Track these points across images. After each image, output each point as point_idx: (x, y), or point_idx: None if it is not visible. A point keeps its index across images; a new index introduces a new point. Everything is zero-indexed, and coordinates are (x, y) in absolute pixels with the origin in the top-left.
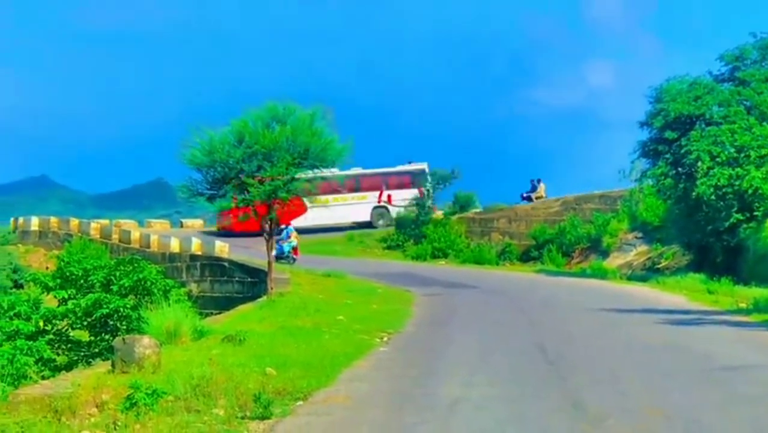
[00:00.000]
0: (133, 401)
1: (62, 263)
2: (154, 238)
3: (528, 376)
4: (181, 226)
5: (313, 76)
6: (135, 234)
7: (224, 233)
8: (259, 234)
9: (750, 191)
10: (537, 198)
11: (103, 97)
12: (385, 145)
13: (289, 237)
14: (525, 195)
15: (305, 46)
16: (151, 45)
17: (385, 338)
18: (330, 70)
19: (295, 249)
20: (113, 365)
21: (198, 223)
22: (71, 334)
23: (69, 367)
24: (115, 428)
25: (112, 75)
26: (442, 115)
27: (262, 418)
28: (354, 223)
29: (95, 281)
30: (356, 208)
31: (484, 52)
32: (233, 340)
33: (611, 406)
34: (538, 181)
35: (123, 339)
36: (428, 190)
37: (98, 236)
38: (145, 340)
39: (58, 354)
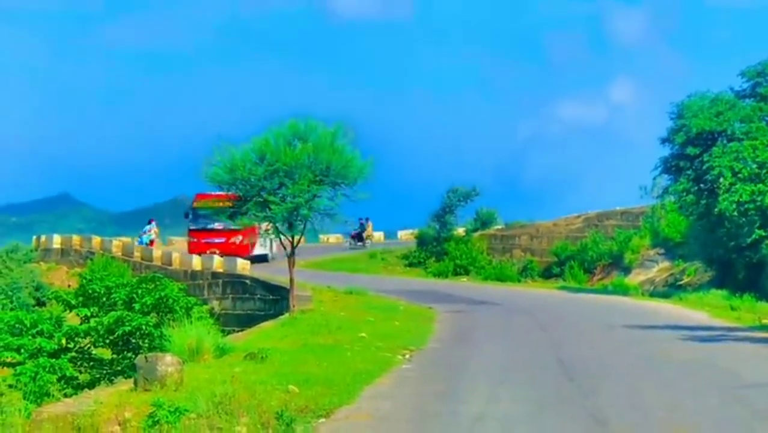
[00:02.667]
0: (156, 419)
1: (84, 281)
2: (175, 255)
3: (551, 393)
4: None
5: (330, 98)
6: (157, 252)
7: None
8: None
9: None
10: (367, 237)
11: (125, 115)
12: (407, 164)
13: (148, 231)
14: (354, 234)
15: (325, 67)
16: (176, 64)
17: (408, 355)
18: (348, 91)
19: (151, 242)
20: (135, 383)
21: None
22: (93, 352)
23: (91, 385)
24: None
25: (134, 94)
26: (465, 133)
27: None
28: None
29: (117, 298)
30: None
31: (508, 69)
32: (255, 357)
33: (635, 424)
34: (366, 219)
35: (145, 357)
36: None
37: (120, 254)
38: (168, 358)
39: (80, 372)
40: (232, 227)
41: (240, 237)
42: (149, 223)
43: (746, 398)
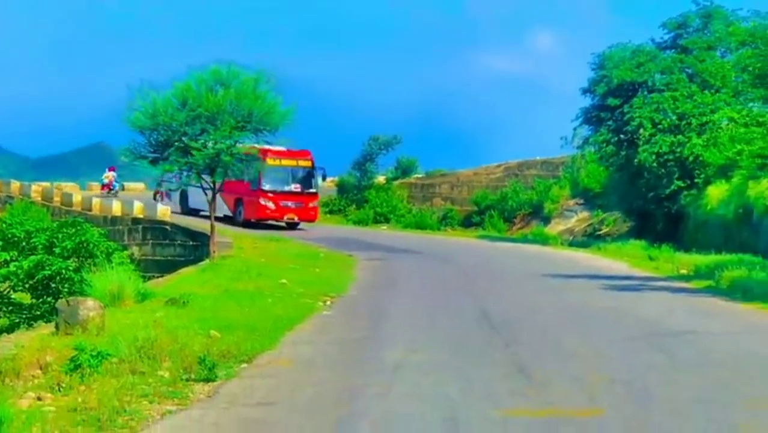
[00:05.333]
0: (78, 363)
1: (4, 225)
2: (95, 201)
3: (472, 341)
4: (123, 189)
5: (254, 46)
6: (77, 197)
7: None
8: None
9: (691, 159)
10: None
11: (44, 60)
12: (329, 112)
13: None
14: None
15: (251, 16)
16: (98, 7)
17: (328, 302)
18: (270, 39)
19: (105, 186)
20: (57, 327)
21: (140, 186)
22: (13, 296)
23: (11, 329)
24: (59, 390)
25: (54, 36)
26: (385, 82)
27: (207, 380)
28: None
29: (37, 243)
30: None
31: (427, 18)
32: (177, 303)
33: (555, 371)
34: (110, 169)
35: (67, 301)
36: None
37: (40, 199)
38: (90, 302)
39: None
40: (310, 190)
41: (317, 201)
42: (111, 170)
43: (666, 345)
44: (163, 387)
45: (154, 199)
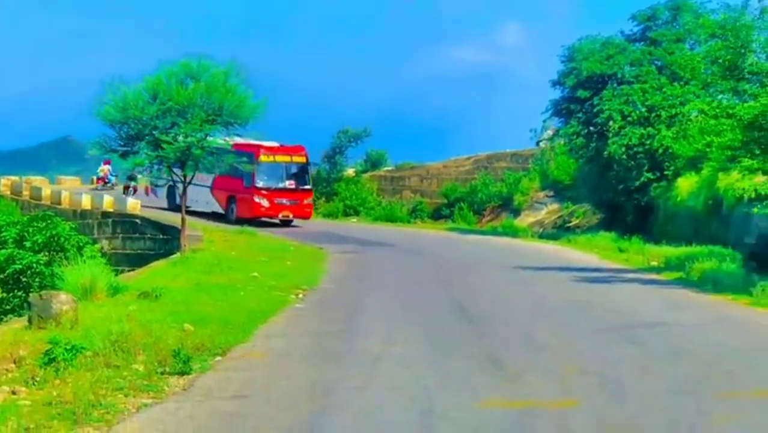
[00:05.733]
0: (52, 356)
1: None
2: (65, 194)
3: (446, 333)
4: (92, 183)
5: (224, 39)
6: (46, 191)
7: None
8: None
9: (660, 151)
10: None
11: (11, 52)
12: (298, 105)
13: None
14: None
15: (221, 8)
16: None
17: (301, 295)
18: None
19: (100, 179)
20: (30, 321)
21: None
22: None
23: None
24: (34, 384)
25: (22, 29)
26: (354, 74)
27: (182, 373)
28: None
29: (8, 237)
30: None
31: (397, 10)
32: (149, 296)
33: (528, 362)
34: (105, 162)
35: (40, 295)
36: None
37: (9, 193)
38: (62, 296)
39: None
40: (305, 186)
41: (312, 198)
42: (106, 164)
43: (638, 337)
44: (138, 380)
45: (125, 193)
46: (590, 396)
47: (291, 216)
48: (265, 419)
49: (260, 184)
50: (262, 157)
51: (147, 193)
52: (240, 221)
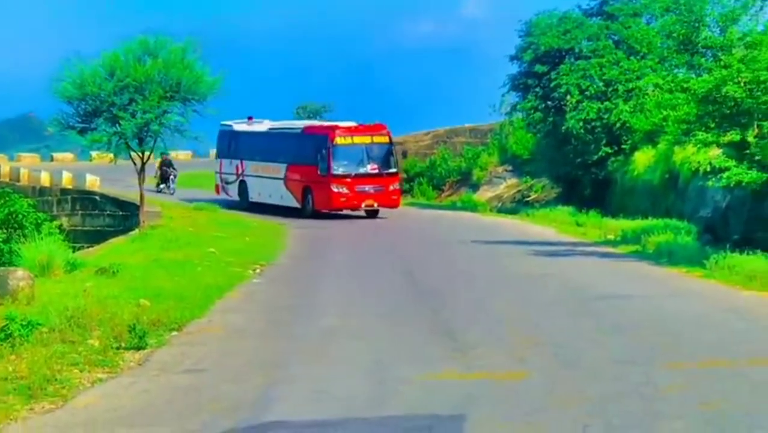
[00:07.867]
0: (8, 332)
1: None
2: (24, 171)
3: (401, 307)
4: (52, 159)
5: (180, 13)
6: (4, 168)
7: None
8: None
9: (618, 125)
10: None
11: None
12: (257, 80)
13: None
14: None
15: None
16: None
17: (258, 270)
18: (198, 7)
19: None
20: None
21: (69, 157)
22: None
23: None
24: None
25: None
26: (312, 49)
27: (138, 348)
28: None
29: None
30: None
31: None
32: (106, 272)
33: (483, 334)
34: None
35: None
36: None
37: None
38: (19, 272)
39: None
40: (390, 170)
41: (399, 182)
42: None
43: (593, 309)
44: (93, 355)
45: (164, 183)
46: (542, 368)
47: (376, 205)
48: (220, 392)
49: (338, 170)
50: (338, 140)
51: (218, 192)
52: (317, 215)
